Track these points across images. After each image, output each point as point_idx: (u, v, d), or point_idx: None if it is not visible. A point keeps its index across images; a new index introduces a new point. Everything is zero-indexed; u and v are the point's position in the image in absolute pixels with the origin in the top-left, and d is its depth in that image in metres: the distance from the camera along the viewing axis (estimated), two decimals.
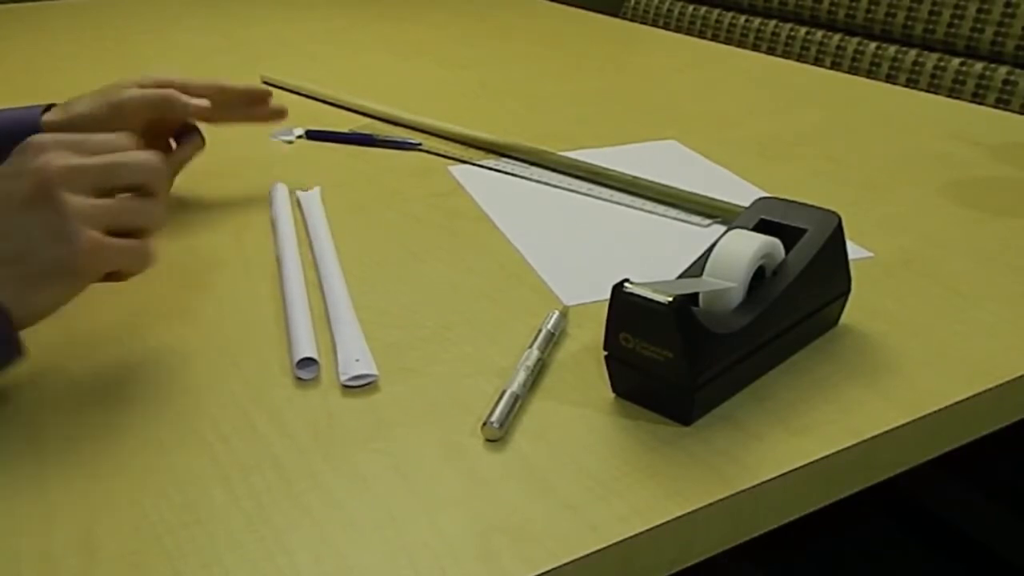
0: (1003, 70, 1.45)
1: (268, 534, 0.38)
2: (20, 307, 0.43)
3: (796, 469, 0.42)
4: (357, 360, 0.49)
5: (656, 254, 0.64)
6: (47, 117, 0.65)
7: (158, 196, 0.47)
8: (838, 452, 0.43)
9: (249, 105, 0.73)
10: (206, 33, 1.38)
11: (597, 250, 0.64)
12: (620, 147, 0.85)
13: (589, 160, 0.79)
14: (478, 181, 0.77)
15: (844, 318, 0.54)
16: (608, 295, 0.45)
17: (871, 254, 0.63)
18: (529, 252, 0.64)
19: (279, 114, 0.73)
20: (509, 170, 0.79)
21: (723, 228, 0.61)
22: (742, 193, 0.74)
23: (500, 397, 0.45)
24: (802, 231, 0.51)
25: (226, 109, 0.71)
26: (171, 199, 0.74)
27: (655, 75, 1.13)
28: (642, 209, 0.71)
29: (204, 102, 0.67)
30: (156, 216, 0.47)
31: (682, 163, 0.81)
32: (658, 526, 0.39)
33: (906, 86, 1.53)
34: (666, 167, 0.79)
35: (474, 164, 0.81)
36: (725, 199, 0.70)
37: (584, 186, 0.76)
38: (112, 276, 0.48)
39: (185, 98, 0.66)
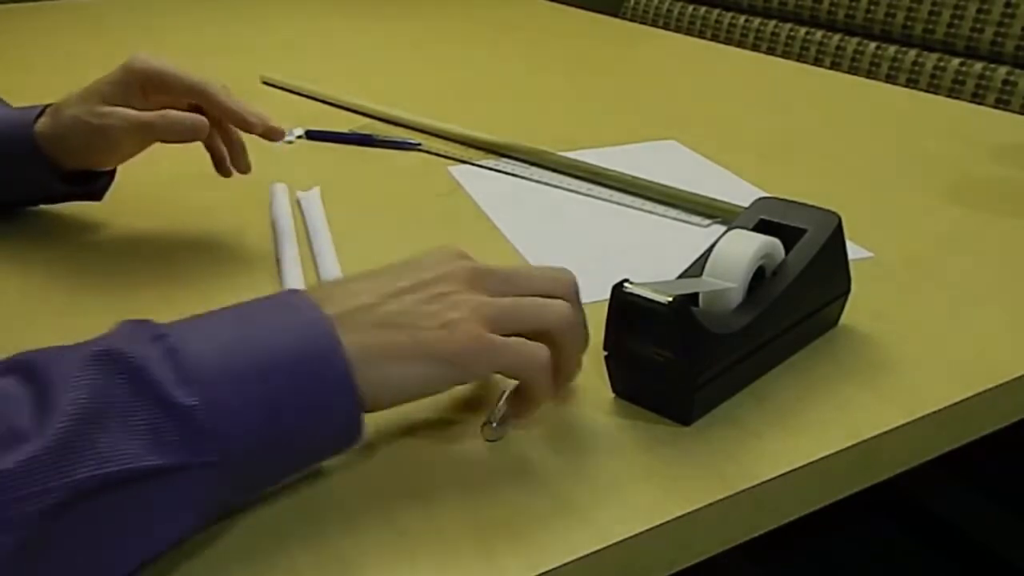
0: (1003, 70, 1.45)
1: (267, 534, 0.38)
2: (374, 381, 0.38)
3: (796, 469, 0.42)
4: None
5: (656, 254, 0.64)
6: (39, 127, 0.62)
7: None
8: (838, 452, 0.43)
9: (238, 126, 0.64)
10: (206, 33, 1.38)
11: (597, 250, 0.64)
12: (620, 147, 0.85)
13: (589, 160, 0.79)
14: (478, 181, 0.77)
15: (844, 318, 0.54)
16: (607, 295, 0.45)
17: (871, 254, 0.63)
18: (529, 252, 0.64)
19: (273, 132, 0.63)
20: (509, 170, 0.79)
21: (723, 228, 0.61)
22: (742, 193, 0.74)
23: (500, 397, 0.45)
24: (802, 231, 0.51)
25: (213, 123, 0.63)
26: (171, 200, 0.74)
27: (655, 75, 1.13)
28: (641, 209, 0.71)
29: (193, 125, 0.60)
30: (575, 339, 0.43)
31: (682, 163, 0.81)
32: (658, 526, 0.39)
33: (906, 86, 1.53)
34: (666, 167, 0.79)
35: (474, 164, 0.81)
36: (725, 199, 0.70)
37: (584, 186, 0.76)
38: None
39: (173, 123, 0.60)
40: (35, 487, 0.29)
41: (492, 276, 0.42)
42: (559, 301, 0.42)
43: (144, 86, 0.62)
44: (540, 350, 0.40)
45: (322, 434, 0.38)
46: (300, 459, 0.39)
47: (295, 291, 0.40)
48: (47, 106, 0.65)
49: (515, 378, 0.42)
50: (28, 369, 0.33)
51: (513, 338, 0.40)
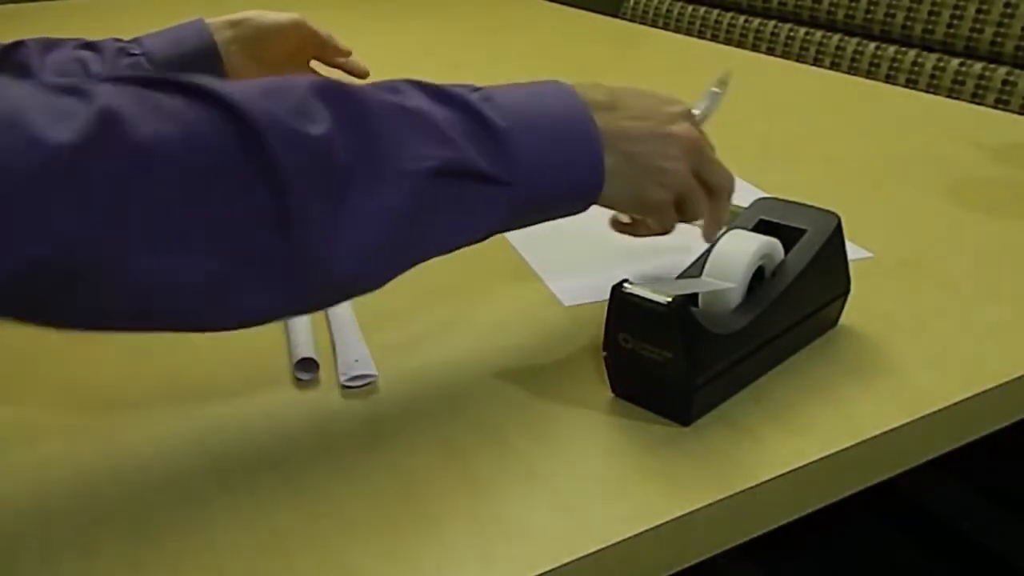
0: (1002, 70, 1.45)
1: (267, 534, 0.38)
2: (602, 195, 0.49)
3: (795, 469, 0.42)
4: (356, 361, 0.49)
5: (654, 255, 0.64)
6: (219, 37, 0.76)
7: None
8: (837, 452, 0.43)
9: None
10: None
11: (596, 251, 0.64)
12: None
13: None
14: None
15: (843, 319, 0.54)
16: (606, 295, 0.45)
17: (871, 254, 0.63)
18: (528, 253, 0.64)
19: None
20: None
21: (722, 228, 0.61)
22: (741, 193, 0.74)
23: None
24: (801, 231, 0.51)
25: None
26: None
27: (654, 75, 1.13)
28: None
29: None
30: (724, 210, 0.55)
31: None
32: (657, 526, 0.39)
33: (905, 86, 1.53)
34: None
35: None
36: None
37: None
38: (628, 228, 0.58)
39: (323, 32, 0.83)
40: (421, 153, 0.41)
41: (701, 155, 0.53)
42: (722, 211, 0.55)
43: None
44: (668, 229, 0.55)
45: (571, 188, 0.48)
46: (556, 203, 0.48)
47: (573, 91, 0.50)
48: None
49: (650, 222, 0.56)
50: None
51: (675, 215, 0.53)
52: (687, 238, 0.66)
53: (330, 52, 0.85)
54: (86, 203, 0.32)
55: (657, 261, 0.63)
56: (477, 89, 0.46)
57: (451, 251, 0.44)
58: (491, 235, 0.46)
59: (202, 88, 0.36)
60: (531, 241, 0.66)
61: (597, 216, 0.70)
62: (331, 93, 0.39)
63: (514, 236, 0.66)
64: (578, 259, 0.63)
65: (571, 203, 0.49)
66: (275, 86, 0.38)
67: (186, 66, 0.74)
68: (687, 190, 0.52)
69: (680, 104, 0.54)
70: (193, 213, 0.34)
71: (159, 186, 0.33)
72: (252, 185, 0.35)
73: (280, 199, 0.36)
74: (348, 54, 0.86)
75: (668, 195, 0.51)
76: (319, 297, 0.40)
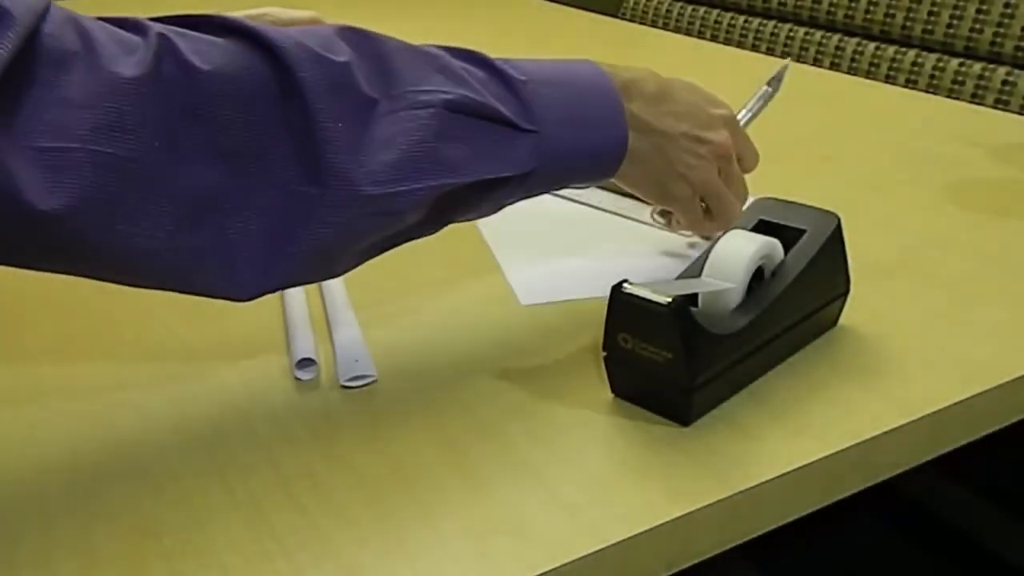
0: (1002, 71, 1.45)
1: (266, 534, 0.38)
2: (625, 172, 0.52)
3: (795, 470, 0.42)
4: (356, 361, 0.49)
5: (637, 260, 0.64)
6: None
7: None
8: (837, 453, 0.43)
9: None
10: None
11: (589, 257, 0.64)
12: None
13: None
14: None
15: (843, 319, 0.54)
16: (601, 295, 0.45)
17: (870, 255, 0.63)
18: (498, 250, 0.64)
19: None
20: None
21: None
22: None
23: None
24: (801, 232, 0.51)
25: None
26: None
27: None
28: (628, 217, 0.70)
29: None
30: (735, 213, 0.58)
31: None
32: (657, 527, 0.39)
33: (905, 87, 1.53)
34: None
35: None
36: None
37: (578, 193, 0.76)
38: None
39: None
40: (438, 87, 0.43)
41: (729, 163, 0.56)
42: (737, 210, 0.58)
43: None
44: (698, 226, 0.59)
45: (594, 145, 0.50)
46: (577, 161, 0.49)
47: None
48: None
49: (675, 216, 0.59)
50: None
51: (699, 207, 0.56)
52: (666, 245, 0.66)
53: None
54: (155, 119, 0.36)
55: (638, 265, 0.63)
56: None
57: (478, 190, 0.45)
58: (523, 188, 0.48)
59: (238, 26, 0.40)
60: (506, 240, 0.66)
61: (592, 224, 0.70)
62: (352, 33, 0.43)
63: (492, 237, 0.66)
64: (546, 260, 0.63)
65: (592, 166, 0.50)
66: (303, 29, 0.42)
67: None
68: (712, 190, 0.55)
69: (725, 109, 0.57)
70: (235, 131, 0.38)
71: (210, 108, 0.38)
72: (283, 106, 0.39)
73: (306, 117, 0.39)
74: None
75: (689, 191, 0.55)
76: (344, 216, 0.41)
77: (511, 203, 0.49)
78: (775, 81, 0.68)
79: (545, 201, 0.73)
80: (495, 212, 0.49)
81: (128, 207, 0.36)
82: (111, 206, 0.36)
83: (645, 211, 0.66)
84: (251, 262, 0.40)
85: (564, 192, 0.75)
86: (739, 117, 0.63)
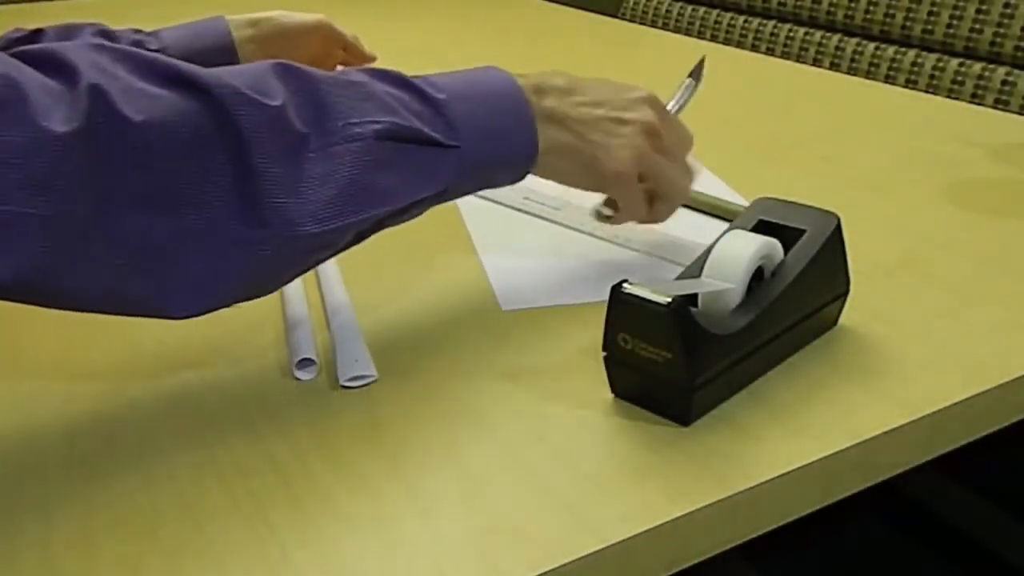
0: (1002, 71, 1.45)
1: (266, 534, 0.38)
2: (545, 164, 0.53)
3: (795, 470, 0.42)
4: (356, 361, 0.49)
5: (653, 259, 0.64)
6: (238, 35, 0.79)
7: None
8: (837, 453, 0.43)
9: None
10: None
11: (571, 262, 0.64)
12: None
13: None
14: None
15: (843, 319, 0.54)
16: (600, 296, 0.45)
17: (870, 255, 0.63)
18: (485, 255, 0.64)
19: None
20: None
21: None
22: (727, 195, 0.74)
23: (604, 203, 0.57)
24: (801, 232, 0.51)
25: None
26: None
27: (653, 76, 1.13)
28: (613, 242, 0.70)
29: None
30: (684, 187, 0.58)
31: None
32: (657, 527, 0.39)
33: (905, 87, 1.53)
34: None
35: None
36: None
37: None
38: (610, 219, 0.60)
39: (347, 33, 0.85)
40: (368, 118, 0.45)
41: (659, 138, 0.56)
42: (683, 186, 0.58)
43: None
44: (642, 210, 0.58)
45: (509, 153, 0.51)
46: (498, 167, 0.51)
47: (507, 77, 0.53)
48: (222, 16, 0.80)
49: (619, 207, 0.58)
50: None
51: (640, 187, 0.56)
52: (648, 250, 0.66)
53: (355, 57, 0.86)
54: (88, 172, 0.36)
55: (655, 264, 0.63)
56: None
57: (408, 209, 0.47)
58: (446, 196, 0.49)
59: (173, 70, 0.40)
60: (494, 246, 0.65)
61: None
62: (284, 69, 0.44)
63: (478, 235, 0.66)
64: (529, 264, 0.63)
65: (511, 169, 0.52)
66: (238, 69, 0.43)
67: (203, 63, 0.75)
68: (648, 164, 0.55)
69: (642, 91, 0.57)
70: (171, 179, 0.39)
71: (144, 159, 0.38)
72: (220, 151, 0.40)
73: (244, 162, 0.40)
74: (373, 60, 0.87)
75: (625, 167, 0.54)
76: (284, 255, 0.43)
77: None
78: (696, 73, 0.69)
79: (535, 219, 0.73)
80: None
81: (68, 264, 0.37)
82: (52, 267, 0.36)
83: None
84: (193, 295, 0.41)
85: (557, 216, 0.75)
86: (669, 107, 0.64)
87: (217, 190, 0.40)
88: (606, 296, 0.45)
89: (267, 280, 0.44)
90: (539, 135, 0.52)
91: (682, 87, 0.68)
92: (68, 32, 0.76)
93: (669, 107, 0.64)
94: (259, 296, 0.45)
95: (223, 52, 0.78)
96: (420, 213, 0.50)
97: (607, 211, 0.60)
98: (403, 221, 0.49)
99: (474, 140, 0.49)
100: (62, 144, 0.35)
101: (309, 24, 0.82)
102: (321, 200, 0.42)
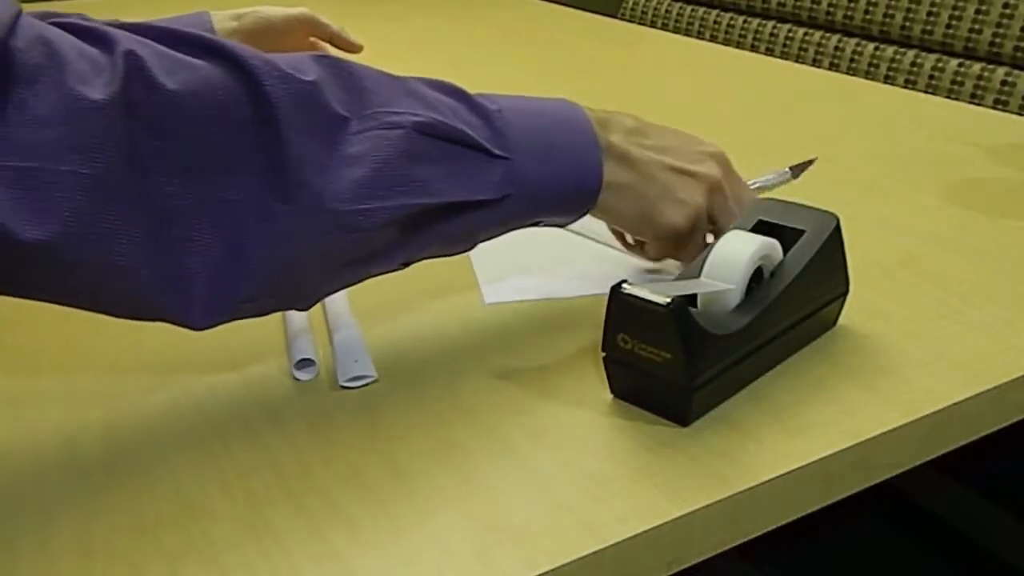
0: (1001, 71, 1.45)
1: (266, 535, 0.38)
2: (604, 204, 0.51)
3: (794, 470, 0.42)
4: (355, 361, 0.49)
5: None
6: (220, 28, 0.77)
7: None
8: (836, 453, 0.43)
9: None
10: None
11: (557, 259, 0.64)
12: None
13: None
14: None
15: (842, 319, 0.54)
16: (595, 292, 0.45)
17: (869, 255, 0.63)
18: (481, 265, 0.64)
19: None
20: None
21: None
22: None
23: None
24: (800, 232, 0.51)
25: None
26: None
27: (653, 76, 1.13)
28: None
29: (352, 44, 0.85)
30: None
31: None
32: (656, 527, 0.39)
33: (904, 87, 1.53)
34: None
35: None
36: None
37: None
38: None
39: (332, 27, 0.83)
40: (409, 111, 0.44)
41: (723, 197, 0.54)
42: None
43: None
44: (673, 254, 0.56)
45: (569, 179, 0.49)
46: (551, 193, 0.49)
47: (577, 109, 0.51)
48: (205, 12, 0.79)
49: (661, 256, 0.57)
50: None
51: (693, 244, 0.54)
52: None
53: (341, 47, 0.86)
54: (123, 140, 0.36)
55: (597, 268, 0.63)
56: None
57: (447, 210, 0.45)
58: (502, 216, 0.47)
59: (208, 42, 0.40)
60: (489, 256, 0.66)
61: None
62: (323, 56, 0.43)
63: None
64: (516, 260, 0.63)
65: (569, 196, 0.49)
66: (275, 55, 0.42)
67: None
68: (700, 225, 0.53)
69: (712, 145, 0.55)
70: (203, 148, 0.38)
71: (178, 126, 0.38)
72: (252, 123, 0.39)
73: (275, 133, 0.40)
74: (359, 49, 0.86)
75: (684, 223, 0.52)
76: (310, 233, 0.41)
77: (488, 236, 0.49)
78: (798, 169, 0.67)
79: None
80: (471, 246, 0.48)
81: (103, 227, 0.36)
82: (88, 227, 0.36)
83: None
84: (212, 282, 0.39)
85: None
86: (752, 184, 0.62)
87: (247, 161, 0.39)
88: (592, 291, 0.44)
89: (287, 272, 0.42)
90: (604, 171, 0.49)
91: (776, 172, 0.67)
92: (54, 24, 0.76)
93: (753, 184, 0.63)
94: (278, 305, 0.43)
95: None
96: (470, 238, 0.47)
97: (629, 238, 0.58)
98: (449, 239, 0.47)
99: (528, 156, 0.47)
100: (100, 109, 0.35)
101: (292, 17, 0.81)
102: (351, 180, 0.41)
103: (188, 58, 0.39)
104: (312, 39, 0.84)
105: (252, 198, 0.39)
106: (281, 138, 0.40)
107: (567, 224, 0.52)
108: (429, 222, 0.45)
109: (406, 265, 0.47)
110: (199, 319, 0.40)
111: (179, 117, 0.38)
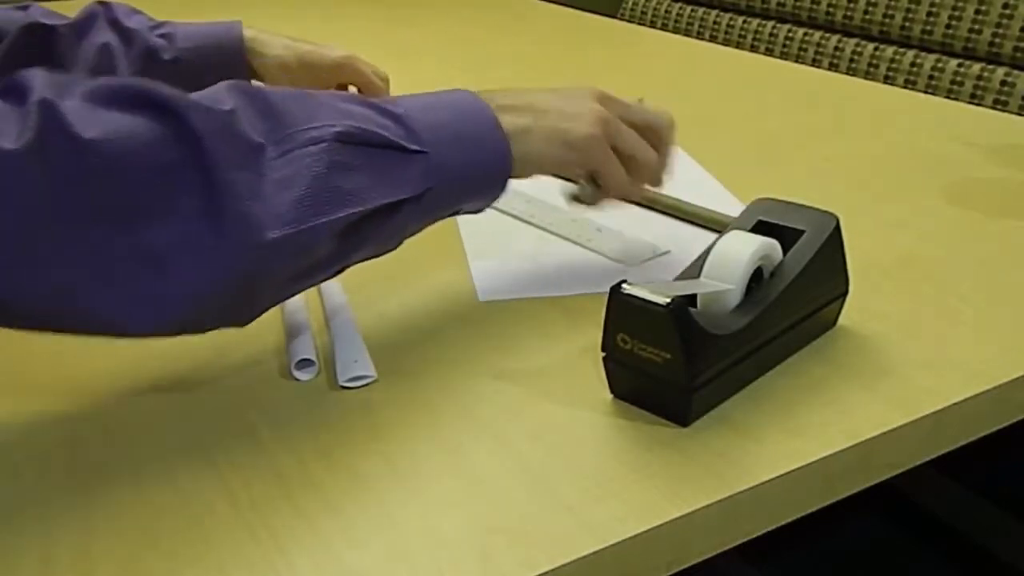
0: (1001, 71, 1.45)
1: (265, 536, 0.38)
2: (520, 154, 0.52)
3: (794, 470, 0.42)
4: (355, 361, 0.49)
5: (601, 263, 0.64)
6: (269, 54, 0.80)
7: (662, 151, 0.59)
8: (836, 453, 0.43)
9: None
10: None
11: (551, 256, 0.64)
12: None
13: None
14: None
15: (842, 319, 0.54)
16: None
17: (869, 255, 0.63)
18: (469, 240, 0.64)
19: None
20: None
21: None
22: (719, 200, 0.74)
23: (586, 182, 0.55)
24: (800, 232, 0.51)
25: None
26: None
27: (653, 76, 1.13)
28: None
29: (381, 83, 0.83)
30: (656, 162, 0.58)
31: (675, 172, 0.81)
32: (656, 527, 0.39)
33: (904, 87, 1.53)
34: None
35: None
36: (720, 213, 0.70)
37: None
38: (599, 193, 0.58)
39: (370, 73, 0.82)
40: (326, 123, 0.44)
41: (615, 104, 0.56)
42: (653, 156, 0.58)
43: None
44: (625, 180, 0.57)
45: (483, 156, 0.51)
46: (472, 173, 0.51)
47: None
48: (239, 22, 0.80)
49: (600, 182, 0.57)
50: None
51: (613, 159, 0.55)
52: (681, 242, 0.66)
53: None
54: (44, 189, 0.36)
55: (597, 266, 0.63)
56: None
57: (378, 213, 0.46)
58: (430, 207, 0.49)
59: (125, 84, 0.40)
60: (483, 250, 0.66)
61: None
62: (235, 85, 0.44)
63: (467, 232, 0.66)
64: (512, 257, 0.63)
65: (490, 174, 0.51)
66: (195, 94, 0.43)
67: (212, 64, 0.77)
68: (615, 127, 0.55)
69: (592, 88, 0.57)
70: (131, 191, 0.38)
71: (102, 173, 0.37)
72: (179, 160, 0.39)
73: (203, 168, 0.40)
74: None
75: (594, 128, 0.54)
76: (252, 265, 0.41)
77: (414, 231, 0.50)
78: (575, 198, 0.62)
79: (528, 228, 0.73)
80: (399, 243, 0.50)
81: (26, 274, 0.37)
82: (8, 277, 0.36)
83: (605, 243, 0.65)
84: (153, 309, 0.40)
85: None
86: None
87: (178, 199, 0.39)
88: (591, 291, 0.44)
89: (239, 297, 0.43)
90: (503, 126, 0.51)
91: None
92: (81, 30, 0.76)
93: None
94: (236, 320, 0.44)
95: (233, 54, 0.78)
96: (399, 236, 0.49)
97: (586, 189, 0.58)
98: (381, 241, 0.48)
99: (442, 146, 0.48)
100: (14, 159, 0.35)
101: (338, 60, 0.81)
102: (284, 203, 0.41)
103: (107, 105, 0.39)
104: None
105: (189, 236, 0.39)
106: (211, 173, 0.40)
107: (486, 207, 0.54)
108: (364, 228, 0.46)
109: (341, 271, 0.48)
110: (136, 332, 0.41)
111: (100, 164, 0.37)
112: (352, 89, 0.83)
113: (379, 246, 0.49)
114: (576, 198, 0.58)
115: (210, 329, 0.44)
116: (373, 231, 0.47)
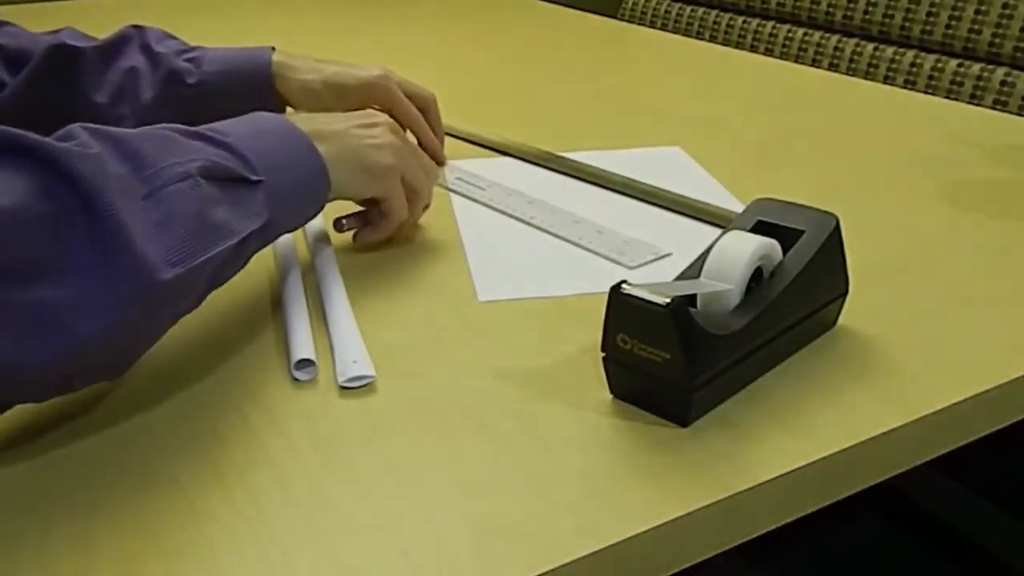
0: (1001, 71, 1.45)
1: (265, 535, 0.38)
2: (332, 181, 0.55)
3: (793, 470, 0.42)
4: (355, 361, 0.49)
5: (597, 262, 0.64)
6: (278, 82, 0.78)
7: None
8: (836, 453, 0.43)
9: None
10: (204, 37, 1.37)
11: (538, 255, 0.64)
12: (623, 151, 0.85)
13: (585, 161, 0.79)
14: (476, 182, 0.77)
15: (842, 319, 0.54)
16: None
17: (869, 255, 0.63)
18: (469, 243, 0.64)
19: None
20: (500, 177, 0.79)
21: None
22: (719, 198, 0.74)
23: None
24: (800, 232, 0.51)
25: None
26: None
27: (652, 77, 1.13)
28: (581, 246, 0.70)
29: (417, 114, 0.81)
30: (428, 185, 0.64)
31: (679, 173, 0.81)
32: (656, 527, 0.39)
33: (904, 87, 1.53)
34: (662, 175, 0.79)
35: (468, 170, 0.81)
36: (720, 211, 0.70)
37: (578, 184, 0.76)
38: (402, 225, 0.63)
39: (401, 96, 0.80)
40: (187, 157, 0.44)
41: (404, 137, 0.62)
42: (431, 184, 0.65)
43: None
44: (405, 209, 0.62)
45: (306, 178, 0.53)
46: (301, 195, 0.53)
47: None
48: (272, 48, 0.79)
49: (385, 208, 0.62)
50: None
51: (400, 185, 0.61)
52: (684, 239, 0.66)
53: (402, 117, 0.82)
54: None
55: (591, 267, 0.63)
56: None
57: (241, 248, 0.47)
58: (270, 232, 0.50)
59: (8, 137, 0.38)
60: (480, 242, 0.66)
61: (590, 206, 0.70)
62: (85, 128, 0.42)
63: (465, 225, 0.66)
64: (511, 257, 0.63)
65: (313, 196, 0.54)
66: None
67: (238, 91, 0.76)
68: (405, 156, 0.60)
69: (386, 117, 0.62)
70: (17, 248, 0.36)
71: None
72: (60, 211, 0.38)
73: (88, 213, 0.38)
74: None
75: (392, 159, 0.59)
76: (145, 305, 0.40)
77: (249, 258, 0.50)
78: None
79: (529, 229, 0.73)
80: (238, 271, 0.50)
81: None
82: None
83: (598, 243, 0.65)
84: (49, 357, 0.38)
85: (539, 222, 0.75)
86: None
87: (66, 249, 0.38)
88: (590, 290, 0.44)
89: (124, 346, 0.41)
90: (321, 153, 0.53)
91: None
92: (109, 55, 0.77)
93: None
94: (111, 373, 0.42)
95: (260, 80, 0.77)
96: (248, 258, 0.49)
97: (355, 222, 0.63)
98: (237, 267, 0.48)
99: (272, 173, 0.49)
100: None
101: (369, 80, 0.78)
102: (168, 243, 0.41)
103: None
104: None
105: (83, 287, 0.38)
106: (99, 219, 0.38)
107: (302, 226, 0.56)
108: (230, 259, 0.46)
109: (198, 304, 0.46)
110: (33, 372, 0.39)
111: None
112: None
113: (231, 275, 0.48)
114: (344, 224, 0.63)
115: (80, 388, 0.42)
116: (231, 263, 0.47)
